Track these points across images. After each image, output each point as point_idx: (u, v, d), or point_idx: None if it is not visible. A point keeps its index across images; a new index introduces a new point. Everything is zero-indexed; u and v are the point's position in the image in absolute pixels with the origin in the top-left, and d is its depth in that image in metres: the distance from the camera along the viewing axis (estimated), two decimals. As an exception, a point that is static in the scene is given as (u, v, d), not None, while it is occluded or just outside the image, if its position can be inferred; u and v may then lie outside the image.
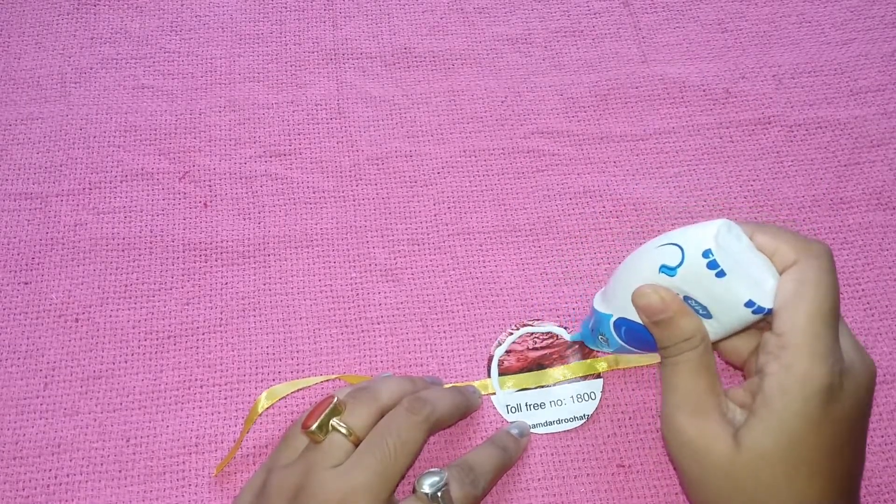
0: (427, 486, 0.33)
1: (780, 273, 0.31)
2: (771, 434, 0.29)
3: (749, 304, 0.30)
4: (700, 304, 0.32)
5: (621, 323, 0.35)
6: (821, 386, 0.29)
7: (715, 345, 0.34)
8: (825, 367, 0.29)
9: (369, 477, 0.33)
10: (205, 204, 0.47)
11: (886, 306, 0.43)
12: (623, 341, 0.36)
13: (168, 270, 0.44)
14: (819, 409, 0.29)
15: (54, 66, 0.52)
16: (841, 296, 0.43)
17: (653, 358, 0.41)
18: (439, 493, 0.33)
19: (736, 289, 0.30)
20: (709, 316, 0.32)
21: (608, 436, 0.40)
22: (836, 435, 0.30)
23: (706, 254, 0.30)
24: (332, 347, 0.42)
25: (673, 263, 0.31)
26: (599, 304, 0.37)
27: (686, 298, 0.32)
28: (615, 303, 0.35)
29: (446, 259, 0.45)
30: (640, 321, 0.34)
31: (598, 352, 0.42)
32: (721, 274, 0.30)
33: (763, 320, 0.31)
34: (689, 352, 0.32)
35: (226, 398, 0.41)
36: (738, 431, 0.30)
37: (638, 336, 0.35)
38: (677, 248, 0.31)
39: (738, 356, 0.35)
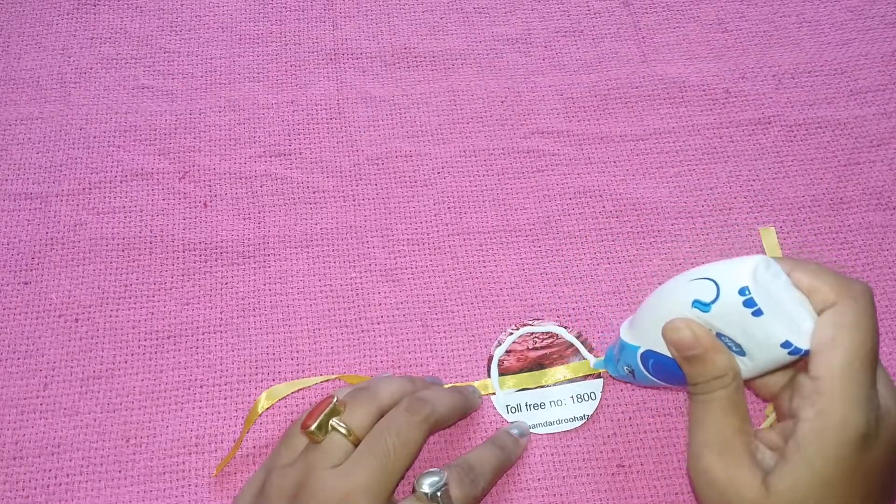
0: (427, 485, 0.33)
1: (819, 313, 0.30)
2: (803, 481, 0.28)
3: (786, 344, 0.29)
4: (734, 342, 0.31)
5: (649, 355, 0.34)
6: (856, 434, 0.28)
7: (746, 381, 0.33)
8: (861, 416, 0.28)
9: (369, 477, 0.33)
10: (205, 204, 0.47)
11: (886, 306, 0.43)
12: (650, 374, 0.35)
13: (168, 270, 0.44)
14: (853, 457, 0.28)
15: (54, 66, 0.52)
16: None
17: None
18: (439, 493, 0.33)
19: (773, 329, 0.29)
20: (742, 353, 0.31)
21: (608, 436, 0.40)
22: (870, 481, 0.29)
23: (743, 291, 0.29)
24: (332, 347, 0.42)
25: (707, 299, 0.30)
26: (626, 335, 0.36)
27: (719, 335, 0.31)
28: (644, 334, 0.34)
29: (446, 259, 0.45)
30: (669, 355, 0.33)
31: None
32: (758, 313, 0.29)
33: (799, 360, 0.30)
34: (720, 390, 0.31)
35: (226, 398, 0.41)
36: (769, 476, 0.29)
37: (667, 370, 0.34)
38: (712, 283, 0.30)
39: (768, 391, 0.34)
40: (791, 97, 0.50)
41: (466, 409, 0.39)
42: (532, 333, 0.43)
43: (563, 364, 0.42)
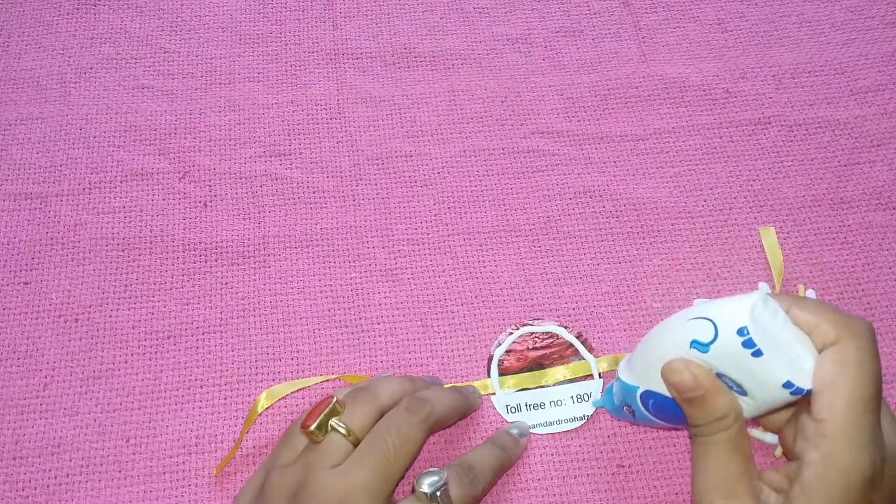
0: (426, 485, 0.33)
1: (819, 351, 0.29)
2: None
3: (787, 384, 0.29)
4: (734, 382, 0.30)
5: (649, 395, 0.33)
6: (862, 478, 0.27)
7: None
8: (867, 459, 0.28)
9: (368, 476, 0.33)
10: (205, 204, 0.47)
11: (886, 306, 0.43)
12: (651, 415, 0.34)
13: (168, 270, 0.44)
14: (859, 500, 0.28)
15: (54, 66, 0.52)
16: (841, 296, 0.43)
17: None
18: (438, 493, 0.33)
19: (773, 369, 0.29)
20: (744, 393, 0.30)
21: (608, 436, 0.40)
22: None
23: (741, 331, 0.28)
24: (332, 347, 0.42)
25: (705, 339, 0.30)
26: (625, 374, 0.35)
27: (719, 375, 0.30)
28: (643, 375, 0.33)
29: (446, 259, 0.45)
30: (669, 395, 0.32)
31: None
32: (758, 353, 0.28)
33: (801, 399, 0.30)
34: (722, 432, 0.30)
35: (226, 398, 0.41)
36: None
37: (668, 410, 0.33)
38: (710, 323, 0.30)
39: (772, 425, 0.34)
40: (791, 97, 0.50)
41: (466, 409, 0.39)
42: (532, 333, 0.43)
43: (563, 364, 0.42)
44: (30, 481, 0.38)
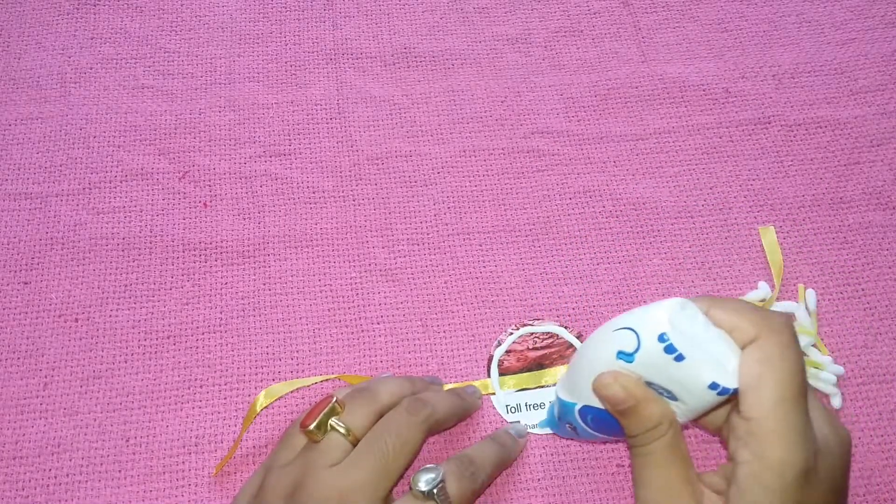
0: (423, 483, 0.33)
1: (742, 349, 0.29)
2: None
3: (713, 386, 0.28)
4: (664, 388, 0.30)
5: (587, 411, 0.33)
6: (795, 473, 0.27)
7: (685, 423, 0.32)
8: (799, 454, 0.27)
9: (367, 476, 0.33)
10: (205, 204, 0.47)
11: (886, 306, 0.43)
12: (591, 429, 0.34)
13: (168, 270, 0.44)
14: (795, 496, 0.27)
15: (54, 66, 0.52)
16: (841, 296, 0.43)
17: None
18: (435, 490, 0.32)
19: (697, 372, 0.28)
20: (674, 398, 0.30)
21: (608, 436, 0.40)
22: None
23: (662, 338, 0.28)
24: (332, 347, 0.42)
25: (629, 349, 0.30)
26: (563, 392, 0.35)
27: (649, 383, 0.30)
28: (578, 390, 0.33)
29: (446, 259, 0.45)
30: (605, 408, 0.32)
31: None
32: (680, 358, 0.28)
33: (732, 398, 0.30)
34: (658, 440, 0.30)
35: (225, 398, 0.41)
36: None
37: (606, 423, 0.33)
38: (632, 332, 0.30)
39: (712, 424, 0.33)
40: (791, 97, 0.50)
41: (466, 412, 0.39)
42: (532, 333, 0.43)
43: (563, 364, 0.42)
44: (30, 481, 0.39)
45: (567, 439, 0.39)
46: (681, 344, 0.28)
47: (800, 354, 0.29)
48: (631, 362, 0.30)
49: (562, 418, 0.36)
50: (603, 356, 0.31)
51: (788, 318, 0.29)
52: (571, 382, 0.34)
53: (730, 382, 0.28)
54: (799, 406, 0.28)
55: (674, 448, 0.30)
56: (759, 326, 0.29)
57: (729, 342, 0.29)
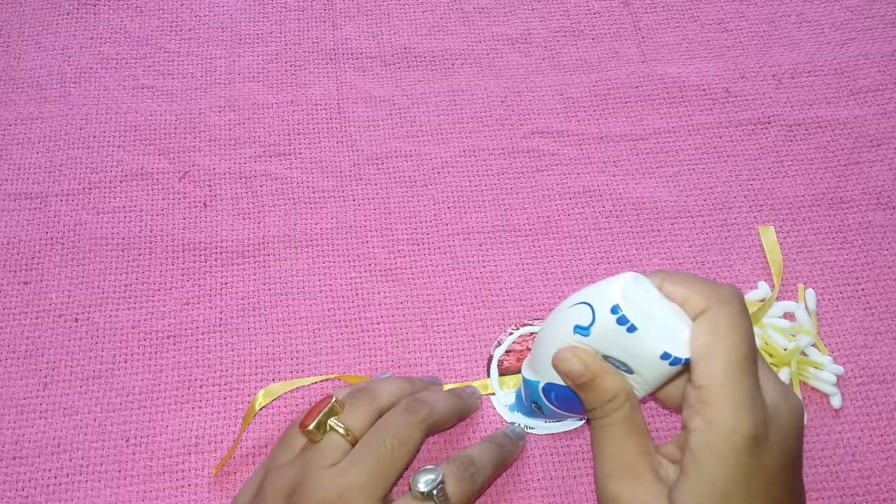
0: (422, 483, 0.33)
1: (693, 320, 0.30)
2: (702, 494, 0.28)
3: (665, 356, 0.29)
4: (619, 361, 0.31)
5: (550, 388, 0.34)
6: (745, 439, 0.28)
7: (644, 398, 0.33)
8: (748, 419, 0.28)
9: (365, 475, 0.33)
10: (205, 204, 0.47)
11: (886, 306, 0.43)
12: (555, 406, 0.35)
13: (168, 270, 0.44)
14: (747, 462, 0.28)
15: (54, 66, 0.52)
16: (841, 296, 0.43)
17: None
18: (434, 491, 0.32)
19: (650, 343, 0.29)
20: (630, 371, 0.31)
21: (608, 436, 0.40)
22: (768, 483, 0.29)
23: (615, 310, 0.29)
24: (332, 347, 0.42)
25: (585, 323, 0.30)
26: (527, 371, 0.36)
27: (606, 357, 0.31)
28: (541, 368, 0.34)
29: (446, 259, 0.45)
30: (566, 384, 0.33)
31: None
32: (632, 329, 0.29)
33: (685, 369, 0.30)
34: (615, 412, 0.31)
35: (225, 398, 0.41)
36: (672, 492, 0.29)
37: (568, 400, 0.33)
38: (587, 306, 0.30)
39: (672, 401, 0.34)
40: (791, 97, 0.50)
41: (465, 412, 0.39)
42: (532, 333, 0.43)
43: (562, 364, 0.42)
44: (30, 481, 0.39)
45: (567, 439, 0.39)
46: (633, 316, 0.29)
47: (748, 324, 0.29)
48: (587, 336, 0.30)
49: (528, 398, 0.36)
50: (561, 332, 0.32)
51: (736, 289, 0.30)
52: (535, 360, 0.35)
53: (681, 352, 0.29)
54: (747, 373, 0.28)
55: (631, 420, 0.31)
56: (709, 298, 0.29)
57: (682, 314, 0.30)
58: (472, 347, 0.42)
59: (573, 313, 0.31)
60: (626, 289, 0.30)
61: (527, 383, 0.36)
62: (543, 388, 0.34)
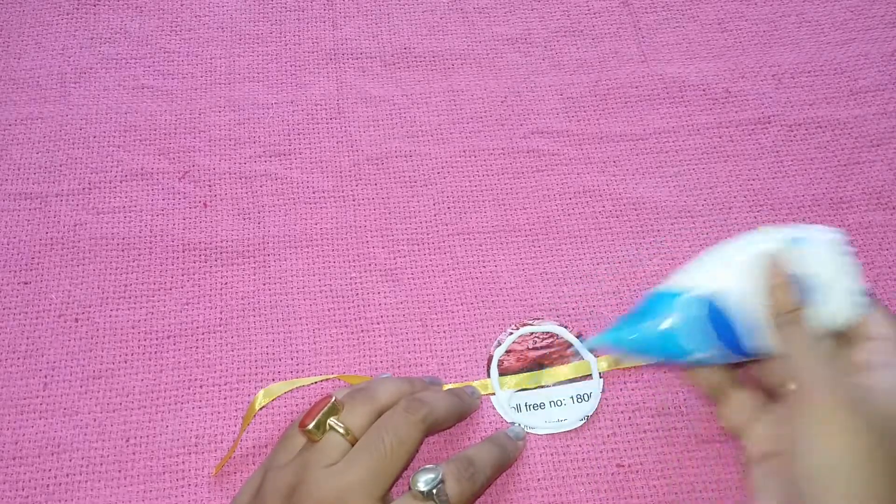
0: (422, 483, 0.33)
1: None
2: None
3: (861, 294, 0.33)
4: (809, 289, 0.33)
5: (714, 304, 0.33)
6: None
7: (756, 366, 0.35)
8: None
9: (364, 475, 0.32)
10: (205, 204, 0.47)
11: (886, 306, 0.43)
12: (713, 327, 0.33)
13: (168, 270, 0.44)
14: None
15: (54, 66, 0.52)
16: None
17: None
18: (434, 491, 0.32)
19: (853, 276, 0.33)
20: (814, 301, 0.33)
21: (608, 436, 0.40)
22: None
23: (834, 239, 0.34)
24: (332, 347, 0.42)
25: (798, 237, 0.34)
26: (687, 282, 0.34)
27: (801, 276, 0.33)
28: (718, 275, 0.33)
29: (446, 259, 0.45)
30: (737, 303, 0.32)
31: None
32: (844, 257, 0.33)
33: (845, 335, 0.33)
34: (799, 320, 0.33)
35: (225, 398, 0.41)
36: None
37: (718, 327, 0.33)
38: (804, 235, 0.34)
39: (776, 378, 0.34)
40: (791, 97, 0.50)
41: (464, 412, 0.39)
42: (532, 333, 0.43)
43: (563, 364, 0.42)
44: (30, 481, 0.39)
45: (567, 439, 0.39)
46: (844, 251, 0.33)
47: None
48: (801, 247, 0.33)
49: (658, 318, 0.33)
50: (766, 242, 0.34)
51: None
52: (707, 269, 0.34)
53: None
54: None
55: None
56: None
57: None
58: (472, 347, 0.42)
59: (786, 232, 0.34)
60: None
61: (683, 300, 0.33)
62: (700, 299, 0.33)
